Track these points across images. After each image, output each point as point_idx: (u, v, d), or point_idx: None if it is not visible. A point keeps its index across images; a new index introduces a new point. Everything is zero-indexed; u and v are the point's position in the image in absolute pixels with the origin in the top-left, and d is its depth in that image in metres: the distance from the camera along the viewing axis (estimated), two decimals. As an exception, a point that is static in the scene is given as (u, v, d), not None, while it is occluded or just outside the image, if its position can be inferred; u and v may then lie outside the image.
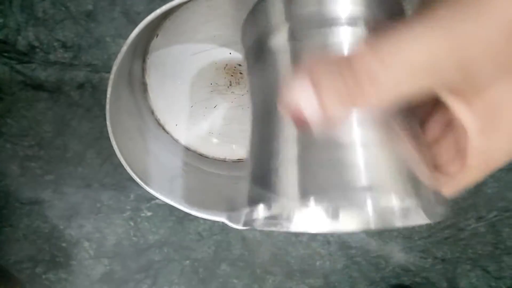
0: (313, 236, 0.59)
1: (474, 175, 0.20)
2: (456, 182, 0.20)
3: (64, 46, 0.47)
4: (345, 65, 0.12)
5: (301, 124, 0.12)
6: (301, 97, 0.12)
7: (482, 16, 0.13)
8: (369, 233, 0.58)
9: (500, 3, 0.13)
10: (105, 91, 0.27)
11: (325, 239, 0.59)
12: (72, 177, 0.54)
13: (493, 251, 0.59)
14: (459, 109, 0.17)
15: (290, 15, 0.20)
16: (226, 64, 0.35)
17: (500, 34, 0.14)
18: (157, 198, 0.32)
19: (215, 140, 0.39)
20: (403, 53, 0.12)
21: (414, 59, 0.13)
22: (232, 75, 0.36)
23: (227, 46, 0.34)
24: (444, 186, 0.20)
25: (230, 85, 0.36)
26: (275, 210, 0.18)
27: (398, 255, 0.59)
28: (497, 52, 0.14)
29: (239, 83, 0.36)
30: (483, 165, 0.19)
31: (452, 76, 0.15)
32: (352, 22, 0.18)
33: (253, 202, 0.19)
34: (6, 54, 0.47)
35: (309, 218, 0.17)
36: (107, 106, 0.28)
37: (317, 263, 0.60)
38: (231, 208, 0.31)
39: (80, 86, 0.49)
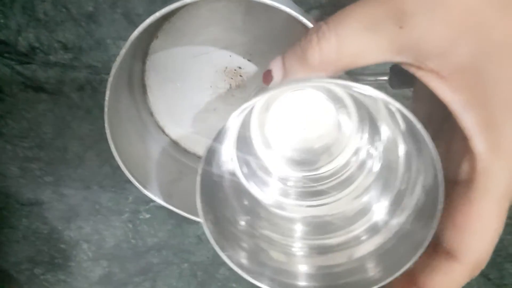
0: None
1: (496, 180, 0.14)
2: (471, 194, 0.14)
3: (64, 47, 0.47)
4: (298, 43, 0.17)
5: (268, 80, 0.18)
6: (273, 65, 0.18)
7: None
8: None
9: None
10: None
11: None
12: (71, 178, 0.53)
13: (494, 258, 0.58)
14: (433, 85, 0.15)
15: None
16: (226, 67, 0.35)
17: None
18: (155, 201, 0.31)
19: (214, 143, 0.39)
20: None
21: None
22: (232, 78, 0.35)
23: (227, 49, 0.34)
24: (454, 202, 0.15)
25: (230, 88, 0.36)
26: None
27: (398, 260, 0.59)
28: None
29: (239, 86, 0.36)
30: (499, 159, 0.13)
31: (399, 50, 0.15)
32: None
33: None
34: (6, 55, 0.47)
35: None
36: (106, 109, 0.28)
37: (317, 267, 0.59)
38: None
39: (81, 87, 0.49)
